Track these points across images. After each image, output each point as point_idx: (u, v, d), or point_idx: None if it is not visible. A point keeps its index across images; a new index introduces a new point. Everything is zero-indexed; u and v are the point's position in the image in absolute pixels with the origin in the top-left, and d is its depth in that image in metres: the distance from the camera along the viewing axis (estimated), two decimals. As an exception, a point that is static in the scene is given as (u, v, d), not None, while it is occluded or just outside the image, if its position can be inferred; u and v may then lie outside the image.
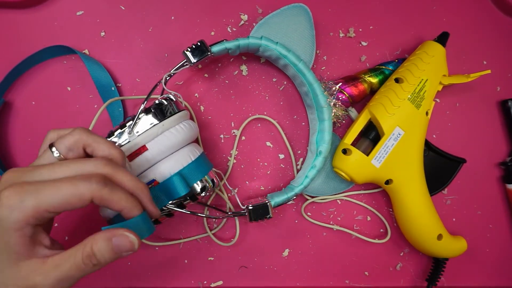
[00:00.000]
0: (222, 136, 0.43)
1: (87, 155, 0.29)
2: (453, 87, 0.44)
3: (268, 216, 0.38)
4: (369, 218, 0.43)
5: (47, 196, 0.24)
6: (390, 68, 0.41)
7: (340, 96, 0.40)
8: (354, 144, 0.40)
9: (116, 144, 0.33)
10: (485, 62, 0.44)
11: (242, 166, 0.43)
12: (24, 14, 0.42)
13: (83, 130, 0.28)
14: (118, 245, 0.26)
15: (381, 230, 0.44)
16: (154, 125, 0.34)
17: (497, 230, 0.44)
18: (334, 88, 0.40)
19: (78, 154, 0.28)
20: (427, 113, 0.40)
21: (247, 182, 0.43)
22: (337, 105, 0.40)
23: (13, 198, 0.24)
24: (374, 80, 0.41)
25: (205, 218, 0.42)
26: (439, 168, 0.42)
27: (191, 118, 0.42)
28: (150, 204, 0.29)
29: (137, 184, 0.28)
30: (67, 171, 0.26)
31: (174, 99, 0.36)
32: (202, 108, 0.43)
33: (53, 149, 0.28)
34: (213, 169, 0.38)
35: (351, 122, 0.43)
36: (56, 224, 0.41)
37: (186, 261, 0.42)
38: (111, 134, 0.33)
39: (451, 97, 0.44)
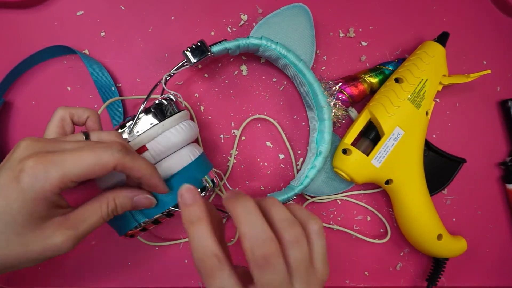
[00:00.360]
0: (222, 136, 0.43)
1: None
2: (453, 87, 0.44)
3: (268, 216, 0.38)
4: (369, 218, 0.43)
5: (72, 166, 0.25)
6: (390, 68, 0.41)
7: (340, 96, 0.40)
8: (354, 144, 0.40)
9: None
10: (485, 62, 0.44)
11: (242, 166, 0.43)
12: (24, 14, 0.42)
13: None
14: (138, 204, 0.30)
15: (381, 230, 0.44)
16: (154, 125, 0.34)
17: (497, 230, 0.44)
18: (334, 88, 0.40)
19: None
20: (427, 113, 0.40)
21: (247, 182, 0.43)
22: (337, 105, 0.40)
23: (38, 168, 0.24)
24: (374, 80, 0.41)
25: (205, 218, 0.42)
26: (439, 168, 0.42)
27: (191, 118, 0.42)
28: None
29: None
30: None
31: (174, 99, 0.36)
32: (202, 108, 0.43)
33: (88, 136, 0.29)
34: (213, 169, 0.38)
35: (351, 122, 0.43)
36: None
37: (186, 261, 0.42)
38: (111, 134, 0.33)
39: (451, 97, 0.44)
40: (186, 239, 0.42)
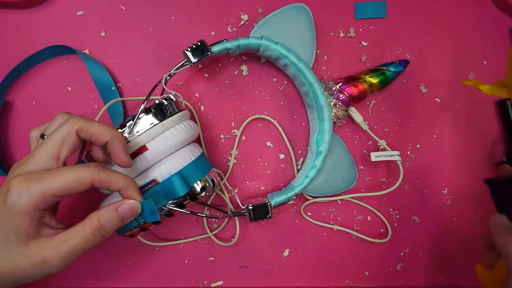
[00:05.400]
0: (222, 136, 0.43)
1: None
2: (453, 87, 0.44)
3: (268, 216, 0.38)
4: (369, 218, 0.43)
5: (52, 182, 0.27)
6: (391, 69, 0.41)
7: (340, 96, 0.40)
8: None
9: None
10: (485, 62, 0.44)
11: (242, 166, 0.43)
12: (24, 14, 0.42)
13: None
14: (123, 213, 0.30)
15: (382, 230, 0.44)
16: (154, 125, 0.34)
17: (497, 230, 0.44)
18: (334, 88, 0.40)
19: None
20: None
21: (247, 182, 0.43)
22: (337, 105, 0.40)
23: (21, 185, 0.27)
24: (374, 80, 0.41)
25: (205, 218, 0.42)
26: None
27: (193, 118, 0.42)
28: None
29: (111, 131, 0.30)
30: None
31: (174, 99, 0.36)
32: (202, 108, 0.43)
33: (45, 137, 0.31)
34: (213, 169, 0.38)
35: (351, 122, 0.43)
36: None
37: (186, 261, 0.42)
38: (111, 134, 0.33)
39: (451, 97, 0.44)
40: (186, 239, 0.42)
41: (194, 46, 0.37)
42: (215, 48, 0.37)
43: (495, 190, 0.35)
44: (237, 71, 0.43)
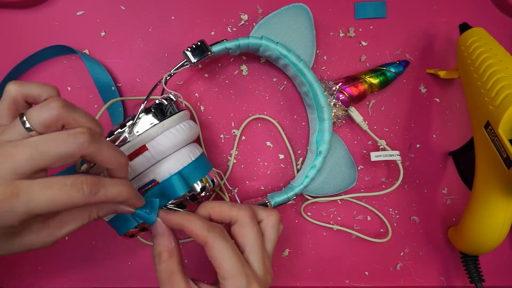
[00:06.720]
0: (222, 136, 0.43)
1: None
2: (453, 87, 0.44)
3: (268, 216, 0.38)
4: (369, 218, 0.43)
5: (38, 203, 0.24)
6: (392, 69, 0.41)
7: (340, 96, 0.40)
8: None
9: (116, 143, 0.33)
10: (485, 62, 0.44)
11: (242, 166, 0.43)
12: (24, 14, 0.42)
13: (61, 104, 0.24)
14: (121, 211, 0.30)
15: (381, 230, 0.44)
16: (154, 125, 0.34)
17: (497, 230, 0.44)
18: (334, 88, 0.40)
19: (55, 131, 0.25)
20: None
21: (247, 182, 0.43)
22: (337, 105, 0.40)
23: (3, 205, 0.23)
24: (374, 81, 0.41)
25: (205, 218, 0.42)
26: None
27: (192, 118, 0.42)
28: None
29: (121, 158, 0.27)
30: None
31: (174, 99, 0.36)
32: (202, 108, 0.43)
33: (24, 118, 0.24)
34: (213, 169, 0.38)
35: (351, 122, 0.43)
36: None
37: (186, 261, 0.42)
38: (111, 133, 0.33)
39: (451, 97, 0.44)
40: (186, 239, 0.42)
41: (194, 46, 0.37)
42: (215, 48, 0.38)
43: (456, 159, 0.43)
44: (237, 71, 0.43)
